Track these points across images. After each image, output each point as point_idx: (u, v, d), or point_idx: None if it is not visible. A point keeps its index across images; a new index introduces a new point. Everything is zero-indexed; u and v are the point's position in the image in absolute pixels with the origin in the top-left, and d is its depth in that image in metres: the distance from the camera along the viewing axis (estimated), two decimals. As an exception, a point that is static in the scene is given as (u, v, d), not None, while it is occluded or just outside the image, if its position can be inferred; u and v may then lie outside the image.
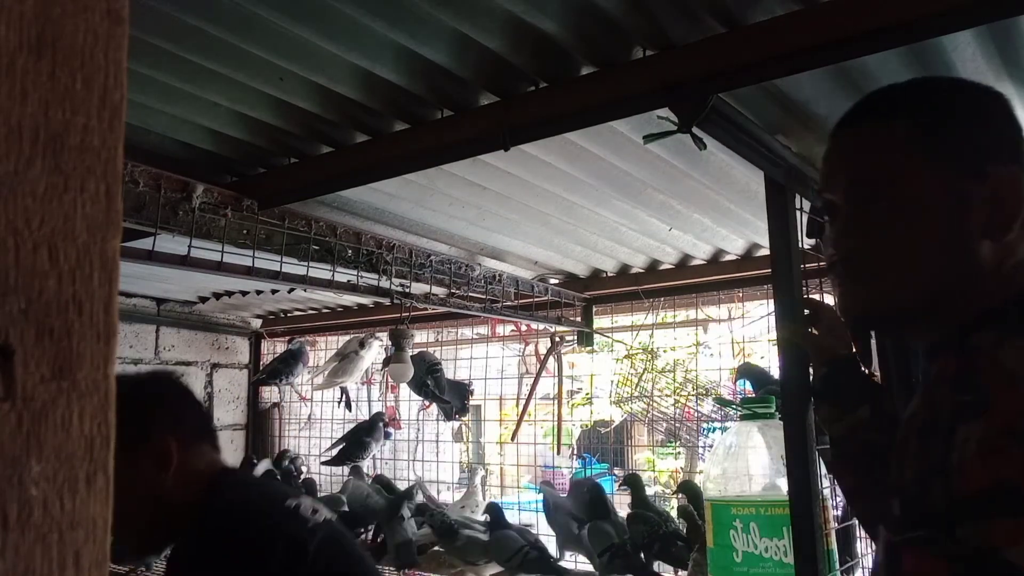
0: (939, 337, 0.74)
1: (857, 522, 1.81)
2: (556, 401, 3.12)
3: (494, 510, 2.45)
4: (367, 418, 3.33)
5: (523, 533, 2.39)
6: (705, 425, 3.34)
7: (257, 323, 3.54)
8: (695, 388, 3.05)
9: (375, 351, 3.09)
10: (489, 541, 2.37)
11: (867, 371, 1.16)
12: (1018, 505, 0.56)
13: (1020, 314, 0.69)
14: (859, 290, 0.78)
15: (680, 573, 2.23)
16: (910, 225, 0.73)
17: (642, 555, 2.18)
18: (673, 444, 3.57)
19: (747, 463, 1.82)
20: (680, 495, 2.23)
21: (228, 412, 3.40)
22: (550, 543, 2.41)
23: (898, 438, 0.74)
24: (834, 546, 1.39)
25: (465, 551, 2.40)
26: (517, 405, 3.35)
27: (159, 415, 1.22)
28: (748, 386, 2.22)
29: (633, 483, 2.34)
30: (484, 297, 2.42)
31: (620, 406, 3.39)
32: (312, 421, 3.63)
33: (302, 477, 3.14)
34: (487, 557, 2.39)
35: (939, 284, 0.73)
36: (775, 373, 1.93)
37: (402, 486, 2.97)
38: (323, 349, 3.65)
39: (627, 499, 2.33)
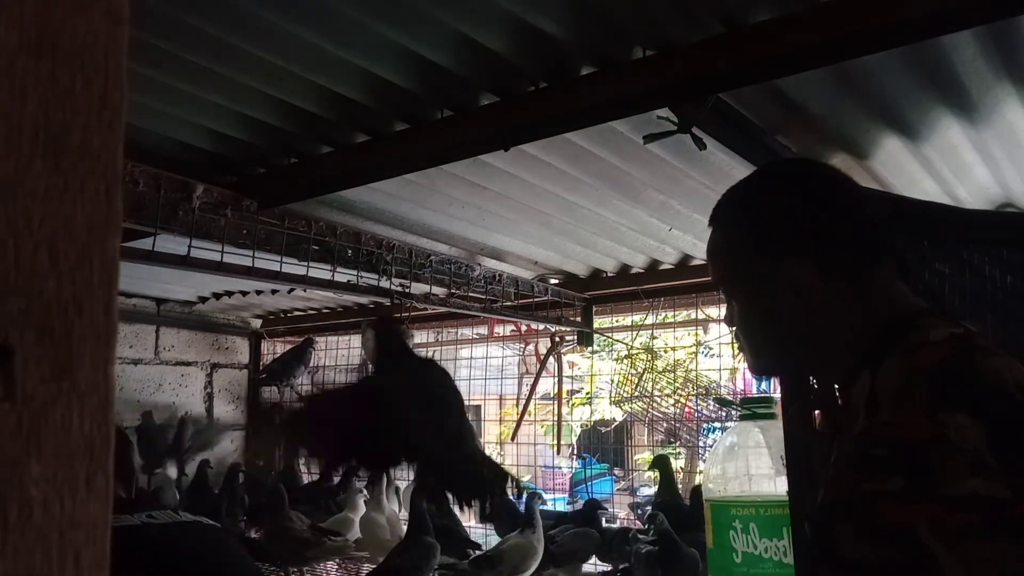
0: (843, 374, 0.85)
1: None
2: (556, 401, 3.12)
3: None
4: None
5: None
6: (705, 425, 3.34)
7: (257, 323, 3.54)
8: (695, 388, 3.05)
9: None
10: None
11: None
12: (848, 512, 0.68)
13: (892, 341, 0.78)
14: (746, 353, 0.94)
15: None
16: (756, 308, 0.89)
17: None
18: (673, 444, 3.57)
19: (747, 463, 1.82)
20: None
21: (228, 412, 3.40)
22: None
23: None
24: (834, 546, 1.39)
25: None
26: (517, 405, 3.35)
27: None
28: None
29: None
30: (484, 297, 2.42)
31: (620, 406, 3.39)
32: (312, 421, 3.62)
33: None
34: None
35: (798, 347, 0.87)
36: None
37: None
38: (323, 349, 3.64)
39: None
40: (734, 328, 0.94)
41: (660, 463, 2.40)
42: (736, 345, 0.96)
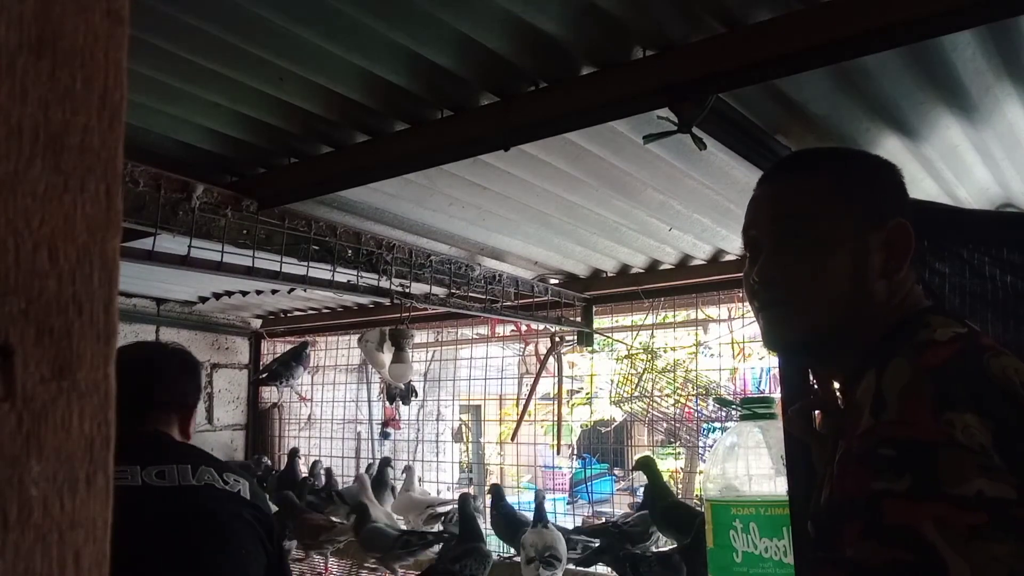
0: (849, 370, 0.85)
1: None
2: (556, 401, 3.12)
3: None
4: (367, 417, 3.35)
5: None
6: (705, 425, 3.35)
7: (257, 323, 3.55)
8: (695, 388, 3.05)
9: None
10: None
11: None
12: (854, 512, 0.68)
13: (898, 339, 0.79)
14: (777, 313, 0.89)
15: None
16: (824, 259, 0.85)
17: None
18: (673, 444, 3.58)
19: (747, 463, 1.82)
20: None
21: (228, 412, 3.40)
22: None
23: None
24: (834, 546, 1.39)
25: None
26: (517, 405, 3.35)
27: None
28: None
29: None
30: (484, 297, 2.42)
31: (620, 406, 3.40)
32: (312, 421, 3.63)
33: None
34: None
35: (843, 312, 0.85)
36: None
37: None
38: (323, 349, 3.65)
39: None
40: (770, 283, 0.88)
41: (644, 465, 2.32)
42: (764, 308, 0.90)
